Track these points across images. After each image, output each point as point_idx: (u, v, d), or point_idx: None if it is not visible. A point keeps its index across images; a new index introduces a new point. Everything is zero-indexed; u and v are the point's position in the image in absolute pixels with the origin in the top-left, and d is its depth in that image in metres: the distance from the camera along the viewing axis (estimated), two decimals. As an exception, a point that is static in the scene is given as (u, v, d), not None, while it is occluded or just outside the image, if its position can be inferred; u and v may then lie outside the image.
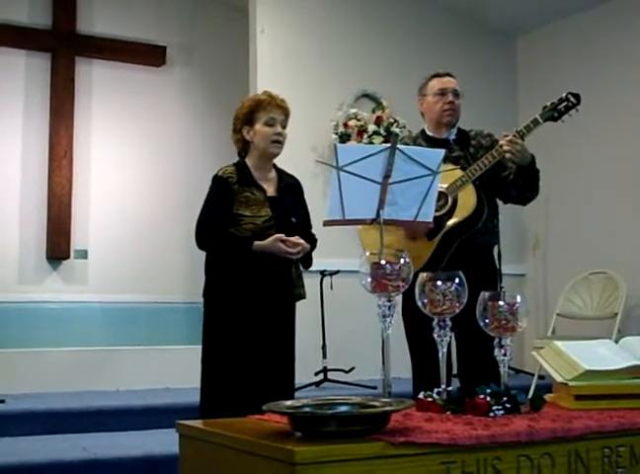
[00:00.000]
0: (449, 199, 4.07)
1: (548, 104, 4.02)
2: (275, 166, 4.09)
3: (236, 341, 3.82)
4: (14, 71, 7.74)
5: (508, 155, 3.96)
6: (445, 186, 4.08)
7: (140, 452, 4.57)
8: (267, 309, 3.86)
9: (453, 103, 4.26)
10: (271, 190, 3.98)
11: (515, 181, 4.12)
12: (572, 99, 3.99)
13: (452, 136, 4.30)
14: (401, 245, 4.13)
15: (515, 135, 3.97)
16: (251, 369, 3.80)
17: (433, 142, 4.25)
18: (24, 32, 7.71)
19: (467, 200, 4.06)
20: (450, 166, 4.11)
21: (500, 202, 4.40)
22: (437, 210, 4.07)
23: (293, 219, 3.96)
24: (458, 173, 4.06)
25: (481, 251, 4.18)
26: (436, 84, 4.30)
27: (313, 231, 4.12)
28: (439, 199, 4.10)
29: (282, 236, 3.81)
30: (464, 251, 4.05)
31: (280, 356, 3.91)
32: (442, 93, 4.27)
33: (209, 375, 3.88)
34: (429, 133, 4.35)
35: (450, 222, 4.05)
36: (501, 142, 4.00)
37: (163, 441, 4.51)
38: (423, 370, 4.05)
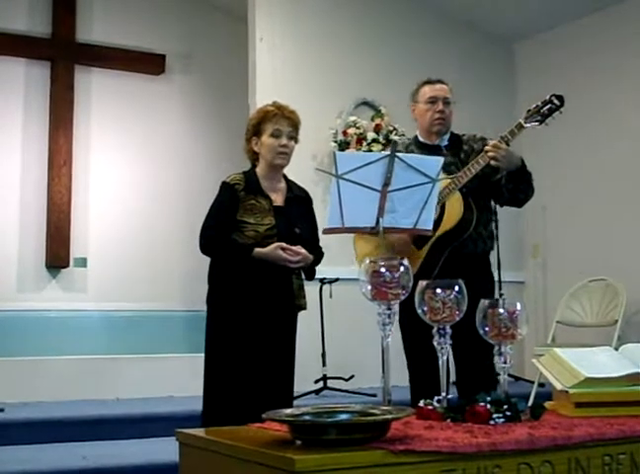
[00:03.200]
0: (437, 208, 4.05)
1: (532, 107, 3.99)
2: (285, 177, 4.10)
3: (237, 349, 3.82)
4: (13, 80, 7.75)
5: (492, 162, 3.93)
6: None
7: (141, 461, 4.57)
8: (267, 319, 3.86)
9: (444, 111, 4.23)
10: (279, 200, 3.99)
11: (506, 184, 4.09)
12: (555, 101, 3.95)
13: (445, 142, 4.27)
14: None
15: (499, 141, 3.95)
16: (251, 378, 3.80)
17: (425, 148, 4.24)
18: (23, 40, 7.72)
19: (454, 209, 4.03)
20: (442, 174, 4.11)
21: (499, 210, 4.37)
22: None
23: (297, 230, 3.96)
24: (446, 181, 4.05)
25: (474, 258, 4.14)
26: (427, 91, 4.27)
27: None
28: None
29: (283, 244, 3.81)
30: (456, 259, 4.02)
31: (280, 366, 3.91)
32: (433, 101, 4.24)
33: (211, 383, 3.89)
34: (421, 140, 4.33)
35: (439, 232, 4.03)
36: (485, 148, 3.99)
37: (164, 450, 4.48)
38: (420, 378, 4.05)
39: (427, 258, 4.05)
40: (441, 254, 4.04)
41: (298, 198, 4.09)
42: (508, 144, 3.96)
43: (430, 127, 4.26)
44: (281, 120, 3.97)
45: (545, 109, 3.95)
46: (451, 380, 4.13)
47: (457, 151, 4.23)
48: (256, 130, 4.01)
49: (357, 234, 4.13)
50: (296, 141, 4.04)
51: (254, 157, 4.07)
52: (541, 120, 3.97)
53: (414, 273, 3.96)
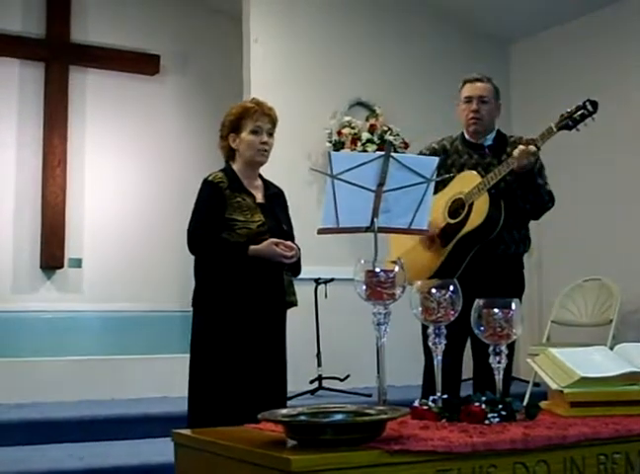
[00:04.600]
0: (466, 207, 4.05)
1: (565, 112, 3.90)
2: (260, 175, 4.07)
3: (226, 348, 3.77)
4: (7, 80, 7.73)
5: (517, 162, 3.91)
6: (465, 192, 4.07)
7: (137, 461, 4.56)
8: (258, 316, 3.82)
9: (478, 111, 4.22)
10: (259, 197, 3.96)
11: (517, 190, 4.07)
12: (589, 107, 3.86)
13: (489, 142, 4.27)
14: (417, 251, 4.14)
15: (528, 143, 3.92)
16: (242, 377, 3.76)
17: (468, 146, 4.25)
18: (17, 41, 7.70)
19: (480, 209, 4.02)
20: (468, 172, 4.11)
21: None
22: (453, 218, 4.08)
23: (284, 226, 3.95)
24: (476, 180, 4.04)
25: (505, 259, 4.13)
26: (465, 90, 4.28)
27: (301, 241, 4.08)
28: (457, 207, 4.10)
29: (277, 240, 3.79)
30: (486, 259, 4.03)
31: (272, 364, 3.88)
32: (469, 100, 4.24)
33: (198, 383, 3.83)
34: (466, 137, 4.32)
35: (463, 231, 4.03)
36: (514, 152, 3.94)
37: (159, 450, 4.49)
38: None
39: (450, 256, 4.05)
40: (467, 253, 4.03)
41: (276, 195, 4.07)
42: (538, 148, 3.91)
43: (466, 126, 4.27)
44: (262, 117, 3.94)
45: (578, 114, 3.86)
46: (465, 377, 4.18)
47: (500, 152, 4.19)
48: (234, 127, 3.96)
49: (392, 235, 4.08)
50: (273, 138, 4.02)
51: (229, 154, 4.03)
52: (572, 126, 3.88)
53: (435, 270, 4.00)
